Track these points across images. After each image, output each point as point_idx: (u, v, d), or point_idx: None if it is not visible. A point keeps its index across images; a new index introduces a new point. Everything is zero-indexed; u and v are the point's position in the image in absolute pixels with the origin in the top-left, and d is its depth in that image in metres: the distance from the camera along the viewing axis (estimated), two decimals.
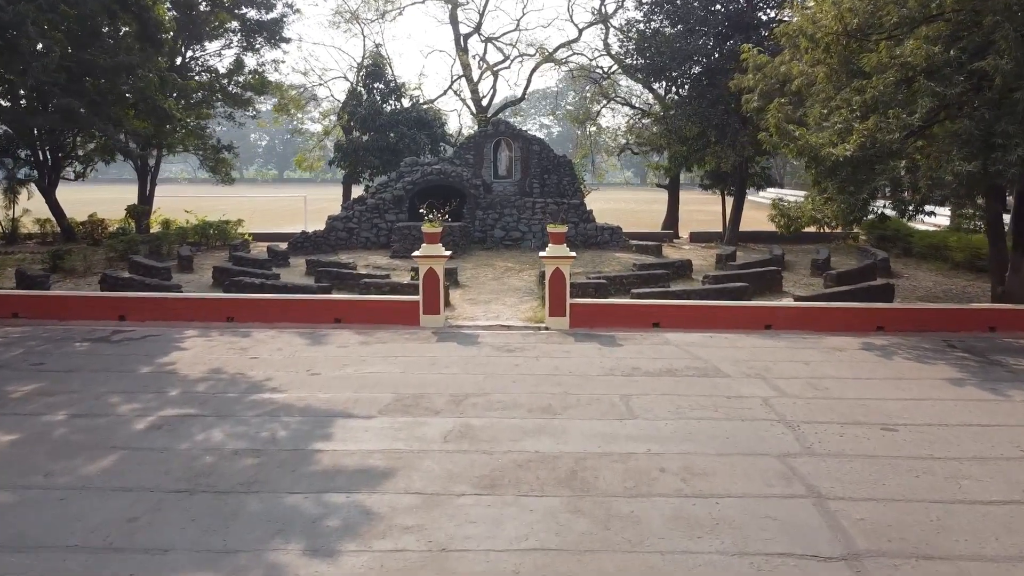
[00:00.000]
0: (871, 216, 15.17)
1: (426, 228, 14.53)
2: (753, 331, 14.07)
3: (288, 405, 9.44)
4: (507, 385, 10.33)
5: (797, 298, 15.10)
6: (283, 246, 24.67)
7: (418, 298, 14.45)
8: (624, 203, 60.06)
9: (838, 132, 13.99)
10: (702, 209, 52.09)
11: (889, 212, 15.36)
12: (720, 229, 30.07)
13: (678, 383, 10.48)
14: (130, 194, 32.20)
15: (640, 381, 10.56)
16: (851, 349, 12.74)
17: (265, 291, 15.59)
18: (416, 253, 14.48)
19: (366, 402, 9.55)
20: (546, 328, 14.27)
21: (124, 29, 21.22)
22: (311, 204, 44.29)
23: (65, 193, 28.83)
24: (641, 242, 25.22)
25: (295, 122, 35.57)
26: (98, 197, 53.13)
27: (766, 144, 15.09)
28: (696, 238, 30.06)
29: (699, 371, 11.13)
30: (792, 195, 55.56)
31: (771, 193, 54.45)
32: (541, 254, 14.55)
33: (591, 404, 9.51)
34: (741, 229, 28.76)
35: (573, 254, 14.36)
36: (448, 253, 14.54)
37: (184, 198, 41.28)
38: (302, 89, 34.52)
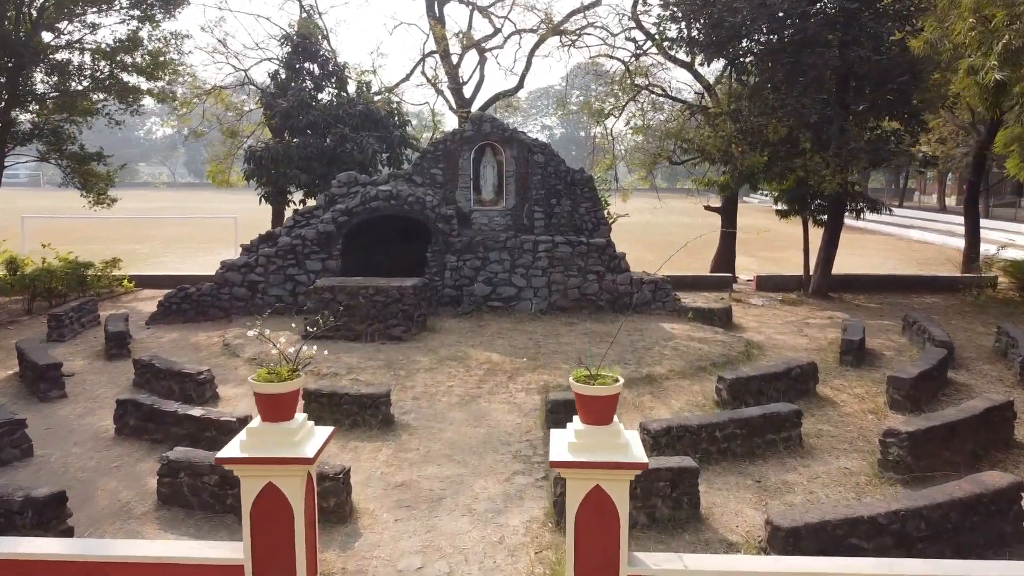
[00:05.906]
0: None
1: (259, 385, 5.61)
2: None
3: None
4: None
5: None
6: (142, 312, 15.87)
7: (241, 560, 5.61)
8: (638, 214, 50.92)
9: None
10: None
11: None
12: (801, 269, 21.06)
13: None
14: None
15: None
16: None
17: None
18: (222, 454, 5.58)
19: None
20: None
21: None
22: (260, 226, 35.31)
23: None
24: (697, 303, 16.44)
25: (195, 118, 26.31)
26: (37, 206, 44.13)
27: None
28: (764, 284, 21.18)
29: None
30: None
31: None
32: (554, 454, 5.58)
33: None
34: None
35: (645, 459, 5.43)
36: (316, 452, 5.63)
37: (81, 221, 32.08)
38: (218, 75, 25.53)
